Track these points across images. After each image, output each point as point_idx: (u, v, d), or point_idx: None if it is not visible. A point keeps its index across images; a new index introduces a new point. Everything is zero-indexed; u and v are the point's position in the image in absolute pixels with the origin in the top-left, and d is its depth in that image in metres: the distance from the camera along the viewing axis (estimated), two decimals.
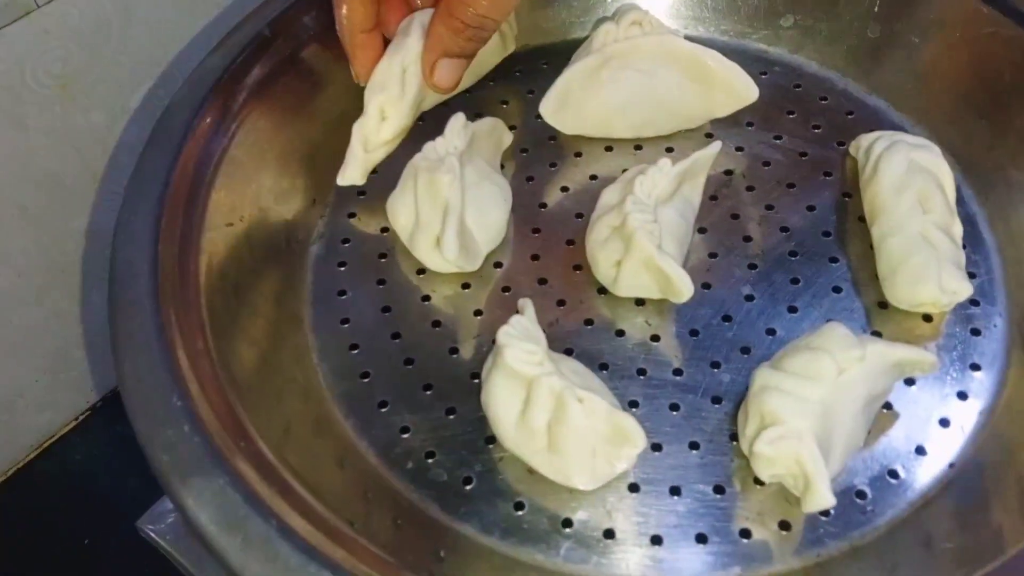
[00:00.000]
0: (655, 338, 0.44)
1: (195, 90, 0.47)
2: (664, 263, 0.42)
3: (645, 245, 0.42)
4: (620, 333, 0.44)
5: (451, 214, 0.43)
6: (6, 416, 0.67)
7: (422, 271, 0.46)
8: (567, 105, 0.51)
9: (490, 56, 0.53)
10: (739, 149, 0.52)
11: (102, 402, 0.73)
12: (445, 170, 0.43)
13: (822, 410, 0.36)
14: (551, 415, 0.37)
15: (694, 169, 0.47)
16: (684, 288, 0.42)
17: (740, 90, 0.51)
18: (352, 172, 0.47)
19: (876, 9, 0.53)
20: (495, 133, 0.50)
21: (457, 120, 0.46)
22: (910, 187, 0.44)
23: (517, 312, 0.40)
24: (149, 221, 0.40)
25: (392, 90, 0.46)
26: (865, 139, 0.49)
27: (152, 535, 0.43)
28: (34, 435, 0.70)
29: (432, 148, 0.45)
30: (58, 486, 0.70)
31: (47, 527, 0.68)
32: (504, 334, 0.38)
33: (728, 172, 0.51)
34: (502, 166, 0.51)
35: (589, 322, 0.45)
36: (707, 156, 0.47)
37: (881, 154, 0.46)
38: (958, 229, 0.44)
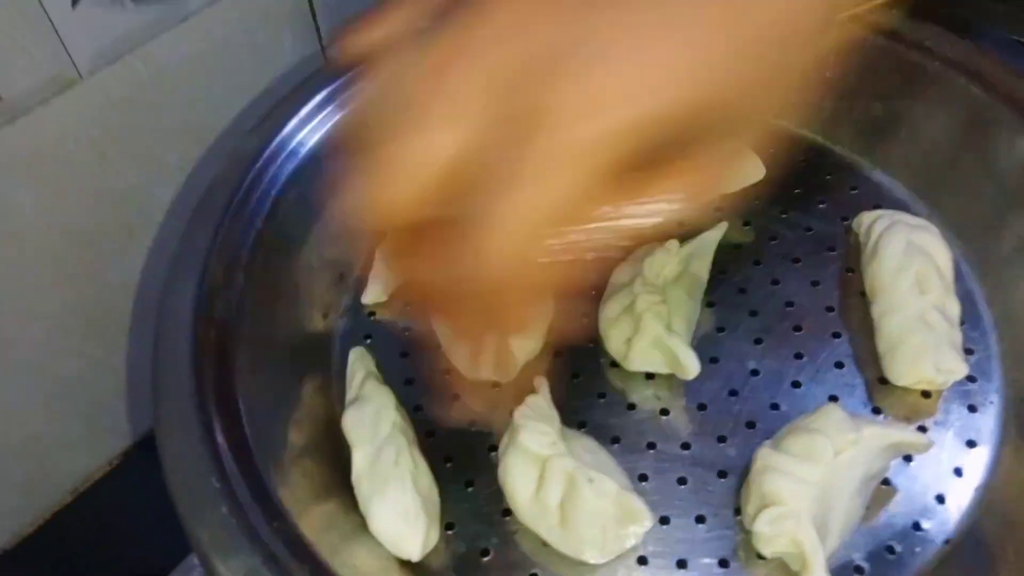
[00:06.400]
0: (664, 411, 0.46)
1: (232, 170, 0.50)
2: (672, 344, 0.44)
3: (654, 326, 0.45)
4: (631, 407, 0.47)
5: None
6: (42, 465, 0.70)
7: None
8: None
9: None
10: (747, 224, 0.54)
11: (135, 448, 0.75)
12: None
13: (819, 491, 0.38)
14: (563, 494, 0.39)
15: (701, 248, 0.49)
16: (691, 368, 0.44)
17: (747, 168, 0.53)
18: (375, 290, 0.50)
19: (879, 89, 0.56)
20: None
21: None
22: (908, 268, 0.47)
23: (533, 389, 0.43)
24: (189, 307, 0.43)
25: None
26: (867, 217, 0.51)
27: None
28: (69, 481, 0.73)
29: None
30: (89, 535, 0.73)
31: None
32: (520, 415, 0.40)
33: (737, 246, 0.53)
34: None
35: (602, 395, 0.47)
36: (713, 237, 0.49)
37: (881, 234, 0.48)
38: (955, 308, 0.46)
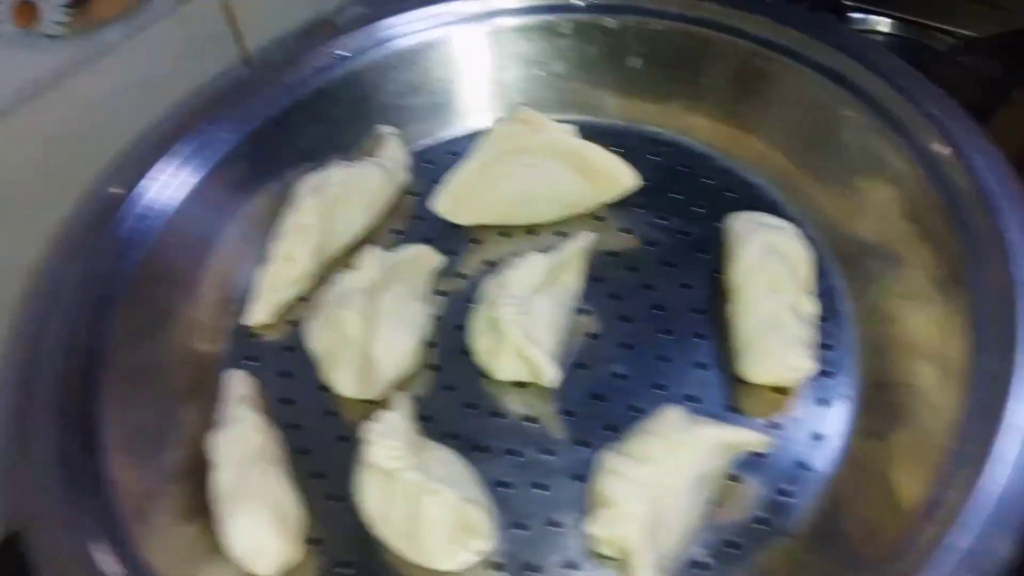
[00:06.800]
0: (531, 419, 0.48)
1: (110, 200, 0.52)
2: (530, 352, 0.46)
3: (514, 335, 0.46)
4: (501, 416, 0.48)
5: (349, 350, 0.46)
6: None
7: None
8: (462, 200, 0.55)
9: (382, 193, 0.56)
10: (626, 231, 0.56)
11: None
12: (348, 307, 0.47)
13: (652, 492, 0.40)
14: (408, 507, 0.41)
15: (567, 259, 0.51)
16: (549, 376, 0.46)
17: (621, 179, 0.55)
18: (256, 312, 0.51)
19: (742, 91, 0.57)
20: (420, 260, 0.52)
21: (369, 253, 0.49)
22: (763, 270, 0.48)
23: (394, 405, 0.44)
24: (57, 339, 0.44)
25: (292, 237, 0.51)
26: (731, 219, 0.52)
27: None
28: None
29: (342, 282, 0.49)
30: None
31: None
32: (368, 431, 0.42)
33: (613, 254, 0.54)
34: None
35: (473, 405, 0.49)
36: (576, 247, 0.51)
37: (739, 235, 0.50)
38: (809, 308, 0.48)
